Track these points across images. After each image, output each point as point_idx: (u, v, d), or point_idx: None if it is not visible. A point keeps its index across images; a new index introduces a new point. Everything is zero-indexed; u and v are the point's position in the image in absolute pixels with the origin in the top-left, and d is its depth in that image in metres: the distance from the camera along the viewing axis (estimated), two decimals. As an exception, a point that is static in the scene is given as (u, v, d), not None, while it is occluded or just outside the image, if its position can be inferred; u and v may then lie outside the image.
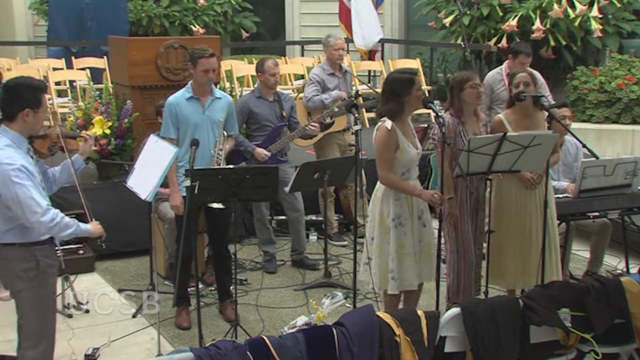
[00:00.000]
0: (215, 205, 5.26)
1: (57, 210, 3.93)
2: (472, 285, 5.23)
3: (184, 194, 5.13)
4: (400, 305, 5.09)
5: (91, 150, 4.62)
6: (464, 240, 5.14)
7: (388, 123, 4.73)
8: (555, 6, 10.08)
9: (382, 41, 11.92)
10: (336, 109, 6.79)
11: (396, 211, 4.80)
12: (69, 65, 10.58)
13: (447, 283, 5.26)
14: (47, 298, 4.09)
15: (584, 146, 5.60)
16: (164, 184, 5.02)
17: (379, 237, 4.86)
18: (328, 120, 6.93)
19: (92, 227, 4.16)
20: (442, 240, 4.98)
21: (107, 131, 6.67)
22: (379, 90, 9.79)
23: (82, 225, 4.09)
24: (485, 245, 5.39)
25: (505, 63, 7.17)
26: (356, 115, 5.34)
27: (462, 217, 5.14)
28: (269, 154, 6.39)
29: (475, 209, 5.21)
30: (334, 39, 7.14)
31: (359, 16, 11.42)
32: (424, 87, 10.06)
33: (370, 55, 11.88)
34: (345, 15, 11.72)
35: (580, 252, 6.63)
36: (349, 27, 11.59)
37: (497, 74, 7.03)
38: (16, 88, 3.92)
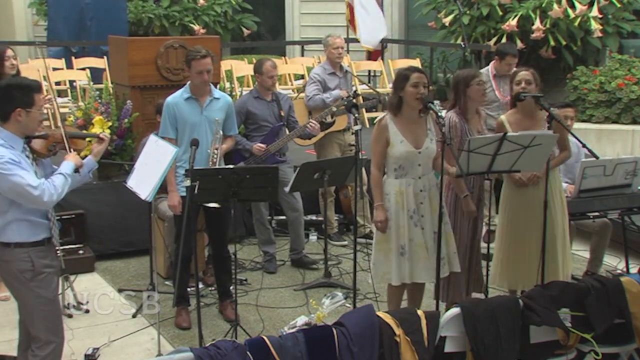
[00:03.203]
0: (210, 204, 5.26)
1: (47, 182, 3.92)
2: (462, 284, 5.23)
3: (184, 193, 5.13)
4: (405, 303, 5.11)
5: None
6: (461, 239, 5.14)
7: (382, 117, 4.85)
8: (555, 6, 10.08)
9: (383, 41, 11.92)
10: (334, 109, 6.79)
11: (384, 205, 4.86)
12: (69, 65, 10.57)
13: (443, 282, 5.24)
14: (50, 298, 4.08)
15: (584, 146, 5.59)
16: (163, 182, 5.02)
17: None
18: (329, 119, 6.93)
19: (73, 161, 4.11)
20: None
21: (107, 131, 6.66)
22: (379, 90, 9.88)
23: (67, 168, 4.04)
24: (485, 245, 5.39)
25: (492, 64, 7.21)
26: (356, 115, 5.36)
27: (462, 217, 5.14)
28: (264, 146, 6.39)
29: (477, 209, 5.21)
30: (333, 38, 7.17)
31: (365, 14, 11.40)
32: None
33: (371, 55, 11.87)
34: (353, 15, 11.69)
35: (580, 252, 6.62)
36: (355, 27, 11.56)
37: (483, 75, 7.02)
38: (7, 88, 3.95)
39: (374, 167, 4.90)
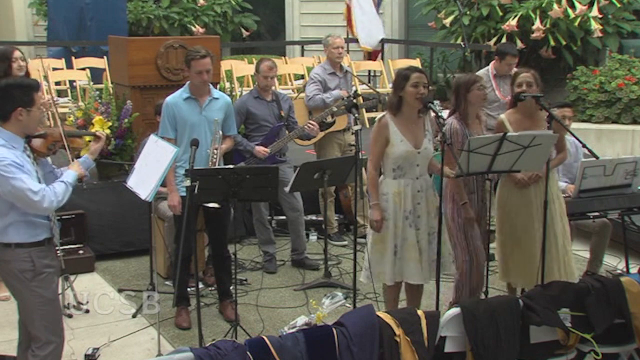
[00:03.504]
0: (210, 204, 5.26)
1: (47, 188, 3.91)
2: (479, 285, 5.23)
3: (183, 193, 5.13)
4: (403, 303, 5.10)
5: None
6: (474, 241, 5.13)
7: (382, 116, 4.85)
8: (555, 6, 10.09)
9: (383, 41, 11.93)
10: (335, 109, 6.80)
11: (382, 205, 4.85)
12: (69, 65, 10.58)
13: (456, 285, 5.23)
14: (50, 298, 4.08)
15: (584, 146, 5.59)
16: (162, 183, 5.02)
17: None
18: (329, 119, 6.93)
19: (76, 170, 4.12)
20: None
21: (107, 131, 6.65)
22: (379, 90, 9.87)
23: (70, 177, 4.06)
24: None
25: (492, 64, 7.20)
26: (356, 115, 5.35)
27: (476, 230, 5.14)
28: (268, 150, 6.41)
29: (479, 209, 5.20)
30: (333, 38, 7.17)
31: (363, 15, 11.41)
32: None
33: (371, 55, 11.88)
34: (350, 16, 11.70)
35: (580, 252, 6.62)
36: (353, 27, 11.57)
37: (483, 76, 7.02)
38: (7, 88, 3.94)
39: (371, 167, 4.90)
